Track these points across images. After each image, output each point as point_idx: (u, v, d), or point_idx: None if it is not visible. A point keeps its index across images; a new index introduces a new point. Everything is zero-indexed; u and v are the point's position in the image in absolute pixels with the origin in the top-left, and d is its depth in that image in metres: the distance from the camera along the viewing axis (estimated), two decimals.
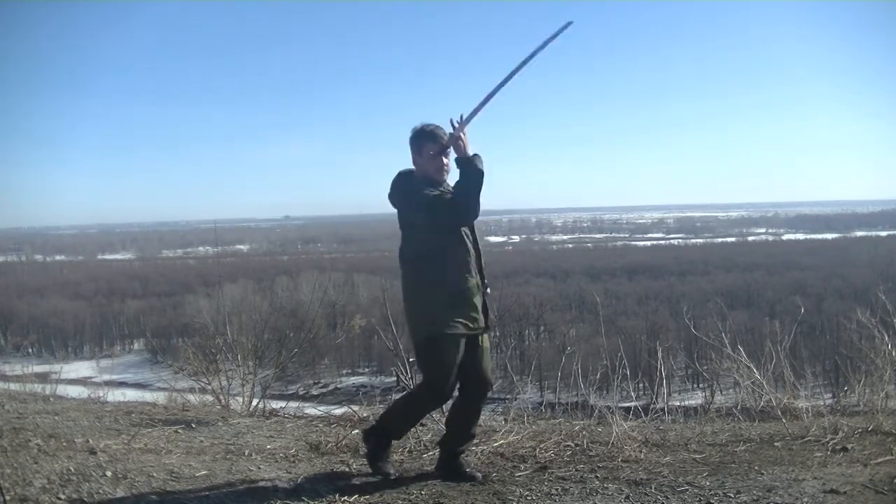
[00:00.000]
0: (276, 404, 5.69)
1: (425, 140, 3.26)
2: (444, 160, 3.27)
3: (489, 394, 3.38)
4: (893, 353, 4.35)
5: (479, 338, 3.27)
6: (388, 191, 3.35)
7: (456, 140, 3.20)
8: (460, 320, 3.16)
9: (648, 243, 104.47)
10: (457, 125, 3.22)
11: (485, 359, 3.30)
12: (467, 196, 3.13)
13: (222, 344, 6.27)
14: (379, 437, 3.36)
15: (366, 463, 3.48)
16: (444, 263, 3.18)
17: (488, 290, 3.38)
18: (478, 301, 3.24)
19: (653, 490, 3.07)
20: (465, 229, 3.25)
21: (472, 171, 3.14)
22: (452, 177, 3.28)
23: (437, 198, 3.16)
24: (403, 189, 3.28)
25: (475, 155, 3.18)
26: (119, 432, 4.14)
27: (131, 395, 7.55)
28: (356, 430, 4.13)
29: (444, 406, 3.69)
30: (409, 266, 3.25)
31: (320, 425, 4.62)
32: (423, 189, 3.19)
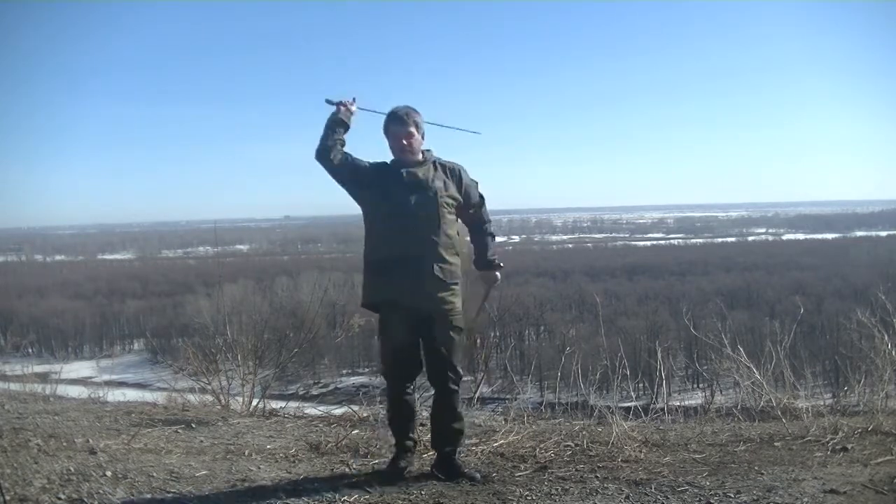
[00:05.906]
0: (276, 404, 5.68)
1: (387, 122, 3.25)
2: (403, 142, 3.17)
3: (456, 387, 3.15)
4: (893, 353, 4.34)
5: (435, 319, 3.09)
6: None
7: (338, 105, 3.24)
8: (381, 292, 3.04)
9: (648, 243, 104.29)
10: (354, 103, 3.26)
11: (438, 344, 3.10)
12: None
13: (222, 344, 6.27)
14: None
15: (365, 463, 3.49)
16: (367, 233, 3.17)
17: (438, 266, 3.04)
18: (405, 274, 3.01)
19: (653, 490, 3.07)
20: (390, 196, 3.11)
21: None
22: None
23: None
24: None
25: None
26: (119, 432, 4.14)
27: (131, 395, 7.54)
28: (356, 430, 4.13)
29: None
30: None
31: (320, 425, 4.62)
32: None
